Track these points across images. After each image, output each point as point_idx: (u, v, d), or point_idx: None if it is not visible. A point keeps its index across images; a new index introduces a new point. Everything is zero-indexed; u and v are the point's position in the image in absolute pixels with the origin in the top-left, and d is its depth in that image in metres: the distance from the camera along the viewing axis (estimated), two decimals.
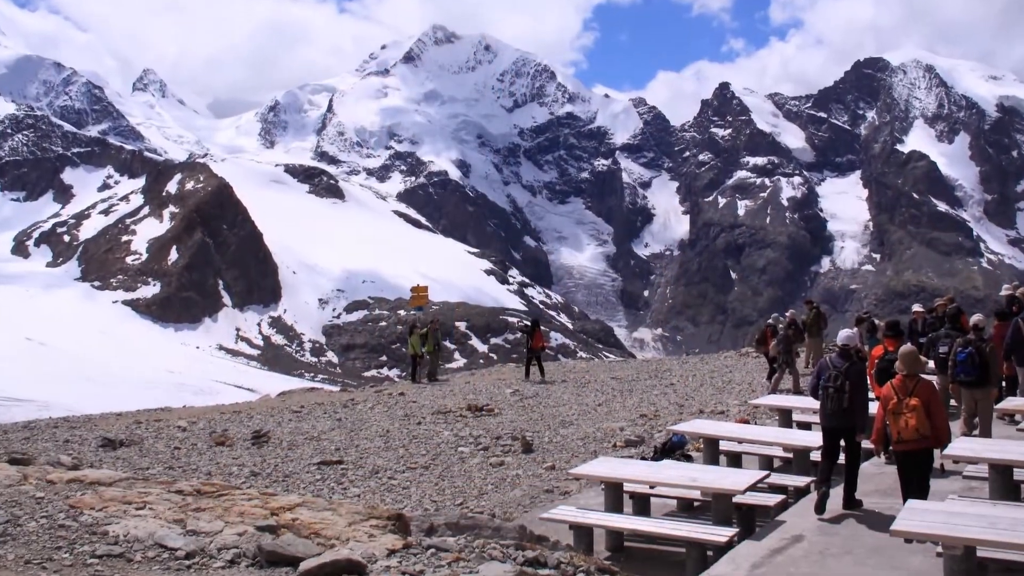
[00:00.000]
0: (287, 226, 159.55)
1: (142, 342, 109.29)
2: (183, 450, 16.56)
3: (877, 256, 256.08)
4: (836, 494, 9.66)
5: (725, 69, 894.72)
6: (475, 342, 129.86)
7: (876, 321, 19.03)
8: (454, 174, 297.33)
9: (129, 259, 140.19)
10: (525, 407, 20.50)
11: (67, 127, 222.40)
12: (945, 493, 9.45)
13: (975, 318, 13.11)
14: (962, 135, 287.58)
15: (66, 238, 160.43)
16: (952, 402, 13.70)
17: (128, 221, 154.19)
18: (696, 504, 10.64)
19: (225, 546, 5.99)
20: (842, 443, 9.79)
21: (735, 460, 12.47)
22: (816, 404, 10.26)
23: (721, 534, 8.67)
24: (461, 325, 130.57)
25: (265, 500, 6.97)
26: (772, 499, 10.06)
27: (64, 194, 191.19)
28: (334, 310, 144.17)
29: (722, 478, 9.64)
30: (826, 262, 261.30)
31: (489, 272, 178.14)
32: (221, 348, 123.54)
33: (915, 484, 8.97)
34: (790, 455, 11.81)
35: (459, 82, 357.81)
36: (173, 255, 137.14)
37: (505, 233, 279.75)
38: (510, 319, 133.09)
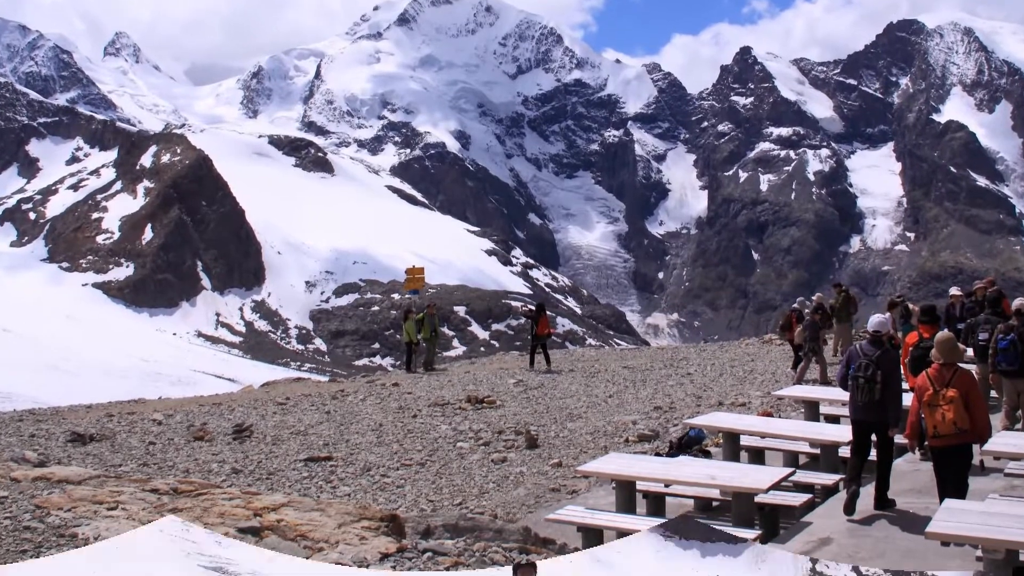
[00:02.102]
0: (271, 202, 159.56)
1: (114, 328, 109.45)
2: (159, 445, 16.58)
3: (911, 235, 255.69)
4: (867, 493, 9.66)
5: (746, 32, 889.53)
6: (475, 328, 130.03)
7: (910, 305, 18.99)
8: (452, 146, 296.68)
9: (100, 238, 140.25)
10: (529, 399, 20.51)
11: (33, 95, 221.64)
12: (985, 492, 9.43)
13: (1017, 302, 13.06)
14: (1003, 104, 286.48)
15: (32, 215, 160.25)
16: (993, 394, 13.69)
17: (99, 197, 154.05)
18: (715, 504, 10.64)
19: None
20: (873, 438, 9.79)
21: (757, 456, 12.46)
22: (845, 396, 10.26)
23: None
24: (460, 310, 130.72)
25: (247, 500, 6.97)
26: (797, 498, 10.07)
27: (30, 168, 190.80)
28: (322, 293, 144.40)
29: (743, 476, 9.65)
30: (856, 241, 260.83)
31: (491, 252, 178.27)
32: (200, 335, 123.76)
33: (952, 482, 8.97)
34: (817, 451, 11.82)
35: (458, 46, 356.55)
36: (148, 234, 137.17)
37: (508, 210, 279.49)
38: (513, 303, 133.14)
